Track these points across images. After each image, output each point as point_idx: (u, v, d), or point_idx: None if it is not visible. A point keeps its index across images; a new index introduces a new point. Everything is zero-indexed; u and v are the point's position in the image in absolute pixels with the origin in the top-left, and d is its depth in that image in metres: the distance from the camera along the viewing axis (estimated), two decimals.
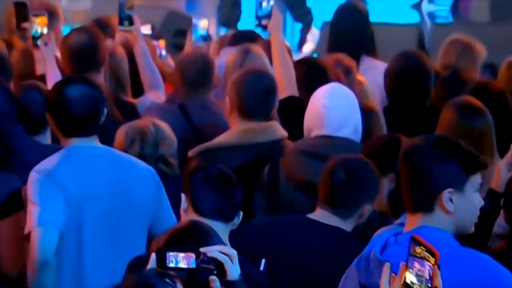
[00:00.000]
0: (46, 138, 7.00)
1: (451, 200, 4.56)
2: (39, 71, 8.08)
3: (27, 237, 6.09)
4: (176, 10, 13.92)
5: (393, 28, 11.86)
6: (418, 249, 3.96)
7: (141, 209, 6.34)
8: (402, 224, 5.44)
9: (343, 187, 5.82)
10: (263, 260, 5.48)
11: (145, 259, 5.01)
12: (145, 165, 6.39)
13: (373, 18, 13.65)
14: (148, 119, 6.94)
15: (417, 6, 15.17)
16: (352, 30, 8.70)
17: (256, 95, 6.56)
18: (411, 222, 4.72)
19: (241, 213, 5.67)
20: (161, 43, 9.27)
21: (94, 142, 6.13)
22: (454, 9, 15.26)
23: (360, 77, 8.03)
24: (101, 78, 7.78)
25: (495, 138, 6.57)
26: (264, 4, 7.63)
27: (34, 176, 6.00)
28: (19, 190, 6.26)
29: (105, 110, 6.39)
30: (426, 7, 15.15)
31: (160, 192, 6.37)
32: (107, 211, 6.23)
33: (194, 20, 8.19)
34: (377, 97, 8.35)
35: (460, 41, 9.12)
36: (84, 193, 6.11)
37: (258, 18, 7.71)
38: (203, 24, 8.47)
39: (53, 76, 7.93)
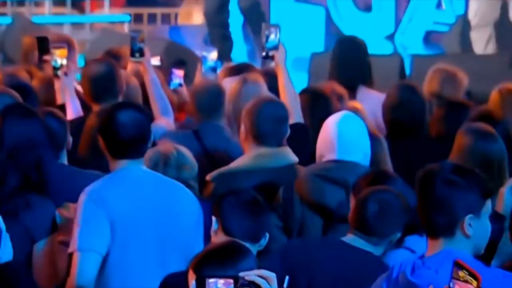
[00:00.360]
0: (63, 161, 6.79)
1: (470, 224, 4.53)
2: (59, 100, 8.02)
3: (70, 256, 5.93)
4: (175, 43, 13.77)
5: (373, 58, 11.95)
6: (461, 273, 3.97)
7: (184, 231, 6.18)
8: (409, 248, 5.76)
9: (376, 218, 5.72)
10: (287, 277, 5.08)
11: (179, 276, 5.12)
12: (187, 189, 6.26)
13: None
14: (170, 144, 6.84)
15: (391, 38, 15.21)
16: (353, 62, 8.65)
17: (269, 123, 6.51)
18: (433, 246, 4.67)
19: (268, 235, 5.59)
20: (180, 72, 9.04)
21: (141, 165, 6.05)
22: (426, 40, 15.39)
23: (357, 104, 7.97)
24: None
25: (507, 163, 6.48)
26: (272, 37, 7.63)
27: (82, 198, 5.89)
28: (53, 213, 6.14)
29: (152, 135, 6.31)
30: (399, 38, 15.14)
31: (200, 216, 6.24)
32: (152, 234, 6.11)
33: (204, 53, 8.20)
34: (372, 125, 8.10)
35: (443, 70, 9.06)
36: (130, 215, 6.01)
37: (266, 50, 7.68)
38: (212, 56, 8.45)
39: (73, 104, 7.91)
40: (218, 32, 14.72)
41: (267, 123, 6.59)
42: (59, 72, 7.92)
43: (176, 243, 6.16)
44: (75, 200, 6.13)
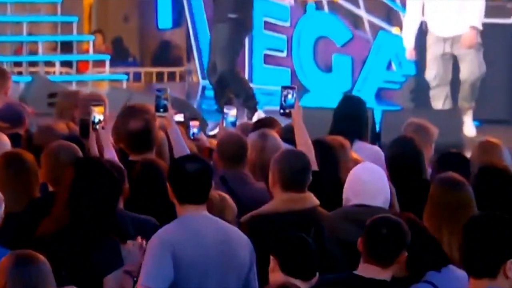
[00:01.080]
0: (120, 206, 6.48)
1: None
2: (94, 152, 7.68)
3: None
4: (178, 98, 12.92)
5: None
6: None
7: (241, 269, 5.93)
8: (431, 283, 5.51)
9: (385, 240, 5.51)
10: None
11: None
12: (241, 232, 6.09)
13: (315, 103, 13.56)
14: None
15: (349, 93, 14.56)
16: (353, 118, 8.47)
17: (295, 171, 6.37)
18: (477, 284, 4.53)
19: (317, 273, 5.44)
20: (196, 123, 8.99)
21: (204, 210, 5.87)
22: (378, 96, 15.17)
23: (356, 155, 7.77)
24: (153, 156, 7.53)
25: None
26: (289, 97, 7.49)
27: (153, 241, 5.72)
28: (119, 249, 5.92)
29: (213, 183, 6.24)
30: (355, 94, 14.41)
31: (253, 255, 5.99)
32: (213, 272, 5.86)
33: (226, 109, 8.14)
34: None
35: (415, 123, 8.85)
36: (194, 256, 5.77)
37: (283, 107, 7.51)
38: (232, 113, 8.36)
39: (110, 154, 7.54)
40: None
41: (294, 172, 6.45)
42: (98, 127, 7.68)
43: (234, 281, 5.93)
44: (133, 238, 6.00)
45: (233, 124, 8.19)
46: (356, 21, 16.16)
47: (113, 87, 16.98)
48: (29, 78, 16.28)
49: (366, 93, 14.66)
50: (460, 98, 12.72)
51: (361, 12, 15.90)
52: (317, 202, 6.47)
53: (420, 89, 13.88)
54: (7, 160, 6.57)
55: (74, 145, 7.03)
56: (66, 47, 19.00)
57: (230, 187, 7.34)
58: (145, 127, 7.88)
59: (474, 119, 12.37)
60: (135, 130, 7.65)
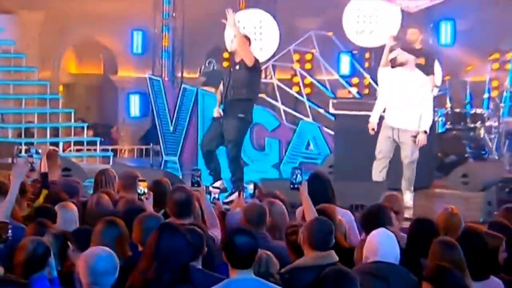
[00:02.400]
0: (199, 266, 6.16)
1: None
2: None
3: None
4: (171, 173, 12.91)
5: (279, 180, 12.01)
6: None
7: None
8: None
9: None
10: None
11: None
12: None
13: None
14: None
15: (277, 166, 14.55)
16: (319, 192, 7.89)
17: (322, 235, 6.09)
18: None
19: None
20: (216, 190, 8.83)
21: (250, 273, 5.58)
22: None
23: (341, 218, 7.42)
24: (191, 221, 7.11)
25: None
26: (298, 176, 7.22)
27: None
28: None
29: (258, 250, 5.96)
30: (282, 167, 14.53)
31: None
32: None
33: (245, 185, 7.82)
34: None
35: (390, 194, 8.38)
36: None
37: (293, 183, 7.20)
38: (251, 187, 8.00)
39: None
40: None
41: (320, 235, 6.15)
42: (143, 197, 7.39)
43: None
44: None
45: (251, 195, 7.85)
46: (280, 113, 15.97)
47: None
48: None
49: (290, 167, 14.30)
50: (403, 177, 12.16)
51: (284, 107, 15.83)
52: (337, 258, 6.15)
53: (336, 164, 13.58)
54: (106, 225, 6.14)
55: (157, 214, 6.75)
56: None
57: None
58: (186, 198, 7.50)
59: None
60: (179, 200, 7.27)
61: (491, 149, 14.26)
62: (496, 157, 14.11)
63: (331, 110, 14.42)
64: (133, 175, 8.74)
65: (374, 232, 6.12)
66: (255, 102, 13.06)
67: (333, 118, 14.83)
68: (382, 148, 11.70)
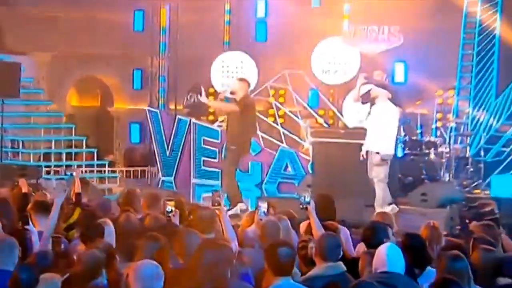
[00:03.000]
0: None
1: None
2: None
3: None
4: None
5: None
6: None
7: None
8: None
9: None
10: None
11: None
12: None
13: None
14: None
15: (259, 185, 14.41)
16: (324, 210, 7.80)
17: (332, 248, 6.01)
18: None
19: None
20: (265, 205, 7.95)
21: (290, 279, 5.48)
22: (278, 187, 14.60)
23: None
24: (213, 235, 7.01)
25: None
26: (307, 197, 7.18)
27: None
28: None
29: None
30: (264, 186, 14.44)
31: None
32: None
33: (259, 203, 7.89)
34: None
35: (383, 213, 8.54)
36: None
37: (302, 204, 7.20)
38: (264, 206, 7.71)
39: None
40: None
41: (330, 249, 6.06)
42: (170, 214, 7.29)
43: None
44: None
45: (265, 213, 7.67)
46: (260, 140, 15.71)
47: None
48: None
49: (271, 186, 14.39)
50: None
51: (263, 135, 15.67)
52: (345, 268, 6.09)
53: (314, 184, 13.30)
54: (148, 240, 5.98)
55: (195, 231, 6.49)
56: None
57: None
58: (211, 216, 7.39)
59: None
60: (205, 217, 7.18)
61: (442, 172, 14.35)
62: (447, 179, 14.20)
63: (309, 137, 14.41)
64: (157, 195, 8.64)
65: (382, 246, 6.04)
66: None
67: (304, 143, 15.08)
68: (370, 172, 11.57)
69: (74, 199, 8.80)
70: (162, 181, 15.42)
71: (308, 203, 7.38)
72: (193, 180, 15.25)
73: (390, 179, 12.10)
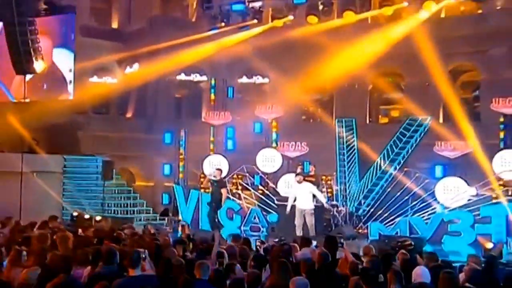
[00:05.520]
0: None
1: None
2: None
3: None
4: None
5: None
6: None
7: None
8: None
9: None
10: None
11: None
12: None
13: None
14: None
15: (239, 228, 15.84)
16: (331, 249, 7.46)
17: (375, 271, 5.98)
18: None
19: None
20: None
21: None
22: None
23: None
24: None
25: None
26: (341, 240, 7.40)
27: None
28: None
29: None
30: (243, 228, 15.89)
31: None
32: None
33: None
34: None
35: (367, 246, 8.25)
36: None
37: (341, 243, 7.47)
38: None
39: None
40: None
41: (374, 272, 5.95)
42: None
43: None
44: None
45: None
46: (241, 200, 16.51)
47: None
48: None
49: (246, 227, 15.88)
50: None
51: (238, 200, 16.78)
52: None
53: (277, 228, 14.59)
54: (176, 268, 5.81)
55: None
56: None
57: None
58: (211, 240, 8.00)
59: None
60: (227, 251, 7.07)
61: (341, 221, 15.61)
62: (344, 225, 15.20)
63: (276, 201, 16.18)
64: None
65: (418, 267, 6.06)
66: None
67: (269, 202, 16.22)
68: (297, 220, 13.73)
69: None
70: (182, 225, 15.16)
71: (342, 244, 7.64)
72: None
73: (316, 223, 13.77)
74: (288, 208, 13.58)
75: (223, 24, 19.23)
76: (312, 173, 16.33)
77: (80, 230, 9.64)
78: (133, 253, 5.28)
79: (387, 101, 24.81)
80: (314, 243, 8.89)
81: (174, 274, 5.36)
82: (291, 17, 19.39)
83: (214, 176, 14.49)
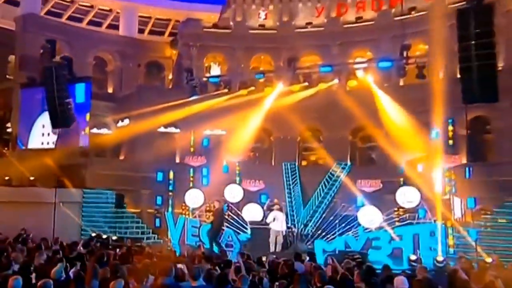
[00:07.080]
0: None
1: None
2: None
3: None
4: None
5: None
6: None
7: None
8: None
9: None
10: None
11: None
12: None
13: None
14: None
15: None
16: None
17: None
18: None
19: None
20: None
21: None
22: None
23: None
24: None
25: None
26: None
27: None
28: None
29: None
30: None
31: None
32: None
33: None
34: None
35: (347, 261, 8.04)
36: None
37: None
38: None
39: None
40: None
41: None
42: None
43: None
44: None
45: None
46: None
47: None
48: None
49: (235, 251, 14.87)
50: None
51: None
52: None
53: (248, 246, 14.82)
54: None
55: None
56: None
57: None
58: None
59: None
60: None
61: (295, 240, 15.80)
62: (298, 242, 15.35)
63: (249, 225, 16.48)
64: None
65: (398, 277, 5.77)
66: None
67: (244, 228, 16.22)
68: (272, 239, 14.64)
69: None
70: (173, 244, 16.74)
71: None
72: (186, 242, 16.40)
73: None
74: (270, 220, 14.80)
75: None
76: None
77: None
78: (194, 269, 5.62)
79: (309, 149, 25.73)
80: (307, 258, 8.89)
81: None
82: (252, 88, 21.05)
83: (214, 206, 15.41)
